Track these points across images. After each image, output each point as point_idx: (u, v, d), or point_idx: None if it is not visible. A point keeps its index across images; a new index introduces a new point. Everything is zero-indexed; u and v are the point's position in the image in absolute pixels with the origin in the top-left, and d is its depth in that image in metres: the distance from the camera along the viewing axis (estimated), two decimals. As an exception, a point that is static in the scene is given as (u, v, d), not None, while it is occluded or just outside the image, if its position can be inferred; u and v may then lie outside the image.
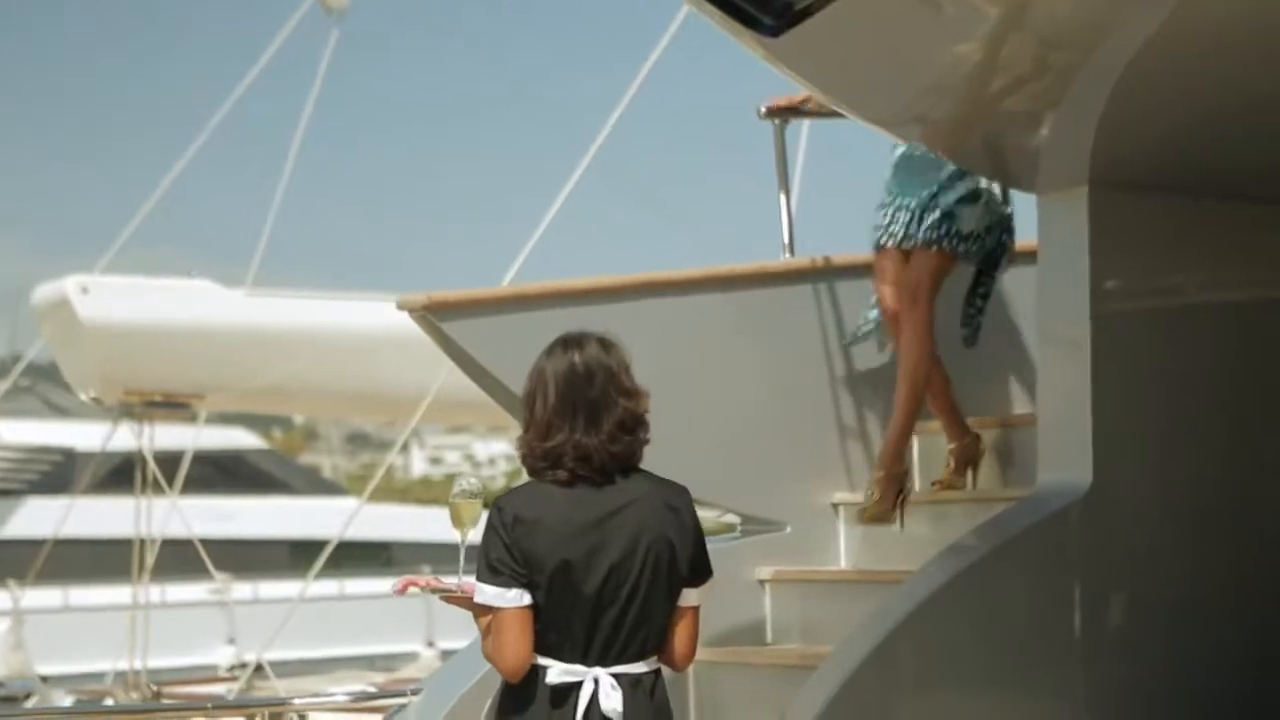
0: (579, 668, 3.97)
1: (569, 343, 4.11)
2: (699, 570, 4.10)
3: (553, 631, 3.98)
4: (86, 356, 15.57)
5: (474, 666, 5.56)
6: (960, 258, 6.08)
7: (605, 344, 4.11)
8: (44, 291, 15.78)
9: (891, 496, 5.96)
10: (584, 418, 4.00)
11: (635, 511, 4.00)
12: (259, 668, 15.90)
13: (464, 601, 4.13)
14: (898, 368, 6.04)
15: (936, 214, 6.02)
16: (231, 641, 22.52)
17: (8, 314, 51.96)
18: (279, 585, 22.33)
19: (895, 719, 5.13)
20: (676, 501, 4.08)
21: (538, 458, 4.03)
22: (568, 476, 4.01)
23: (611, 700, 3.93)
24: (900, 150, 6.17)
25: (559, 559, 3.94)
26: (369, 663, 21.34)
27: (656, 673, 4.06)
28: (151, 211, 16.52)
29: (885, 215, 6.16)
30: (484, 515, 4.13)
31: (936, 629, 5.16)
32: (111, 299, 15.30)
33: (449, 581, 4.23)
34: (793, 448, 6.32)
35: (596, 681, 3.95)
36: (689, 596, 4.09)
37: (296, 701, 7.22)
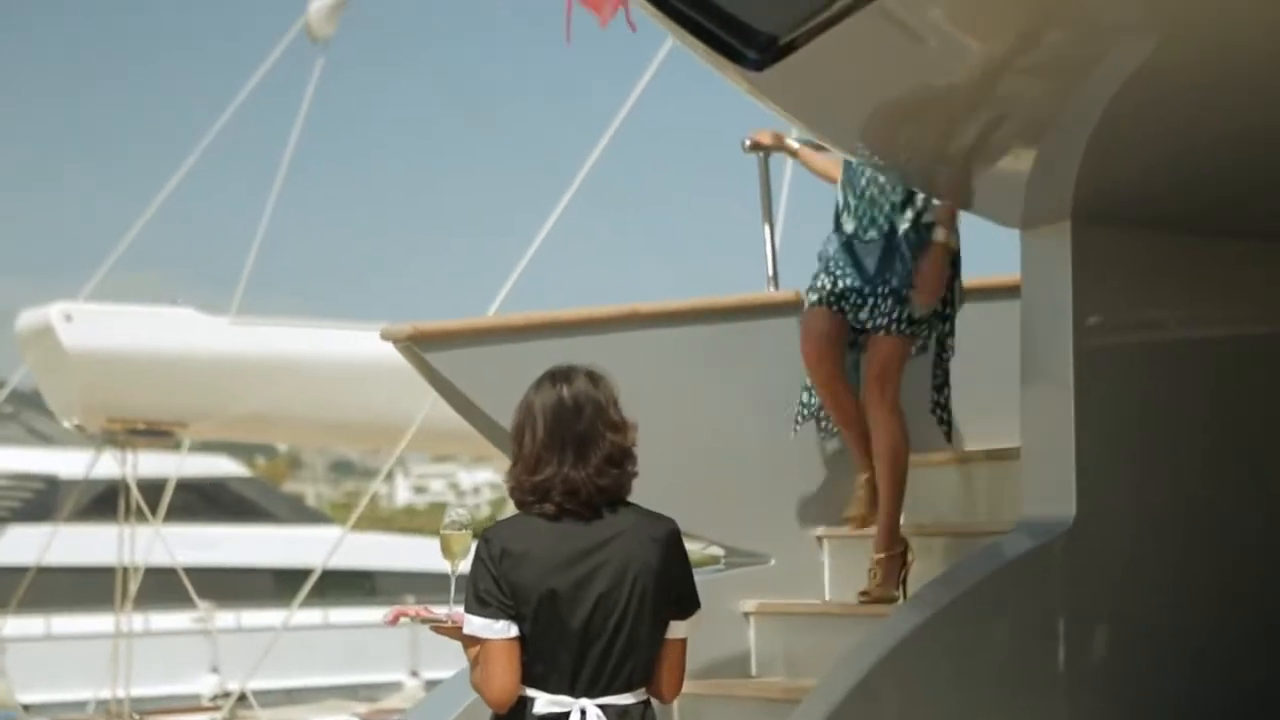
0: (566, 699, 3.98)
1: (557, 376, 4.12)
2: (686, 603, 4.12)
3: (540, 663, 3.99)
4: (70, 384, 15.54)
5: (459, 697, 5.56)
6: (911, 341, 6.04)
7: (594, 377, 4.13)
8: (28, 318, 15.75)
9: (894, 578, 5.91)
10: (572, 451, 4.01)
11: (622, 544, 4.01)
12: (242, 697, 15.87)
13: (454, 631, 4.15)
14: (874, 456, 6.02)
15: (890, 300, 5.94)
16: (215, 670, 22.42)
17: (-12, 340, 51.88)
18: (262, 614, 22.25)
19: (878, 753, 5.12)
20: (663, 534, 4.08)
21: (526, 491, 4.04)
22: (555, 510, 4.01)
23: None
24: (847, 226, 6.09)
25: (546, 590, 3.95)
26: (353, 692, 21.26)
27: (645, 704, 4.07)
28: (137, 236, 16.51)
29: (829, 280, 6.07)
30: (474, 546, 4.13)
31: (920, 663, 5.15)
32: (95, 327, 15.28)
33: (439, 611, 4.24)
34: (777, 480, 6.32)
35: (584, 712, 3.96)
36: (676, 629, 4.11)
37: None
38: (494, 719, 4.06)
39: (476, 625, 3.98)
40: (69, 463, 22.79)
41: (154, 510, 17.50)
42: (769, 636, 6.15)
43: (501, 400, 5.77)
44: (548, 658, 3.98)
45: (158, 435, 16.61)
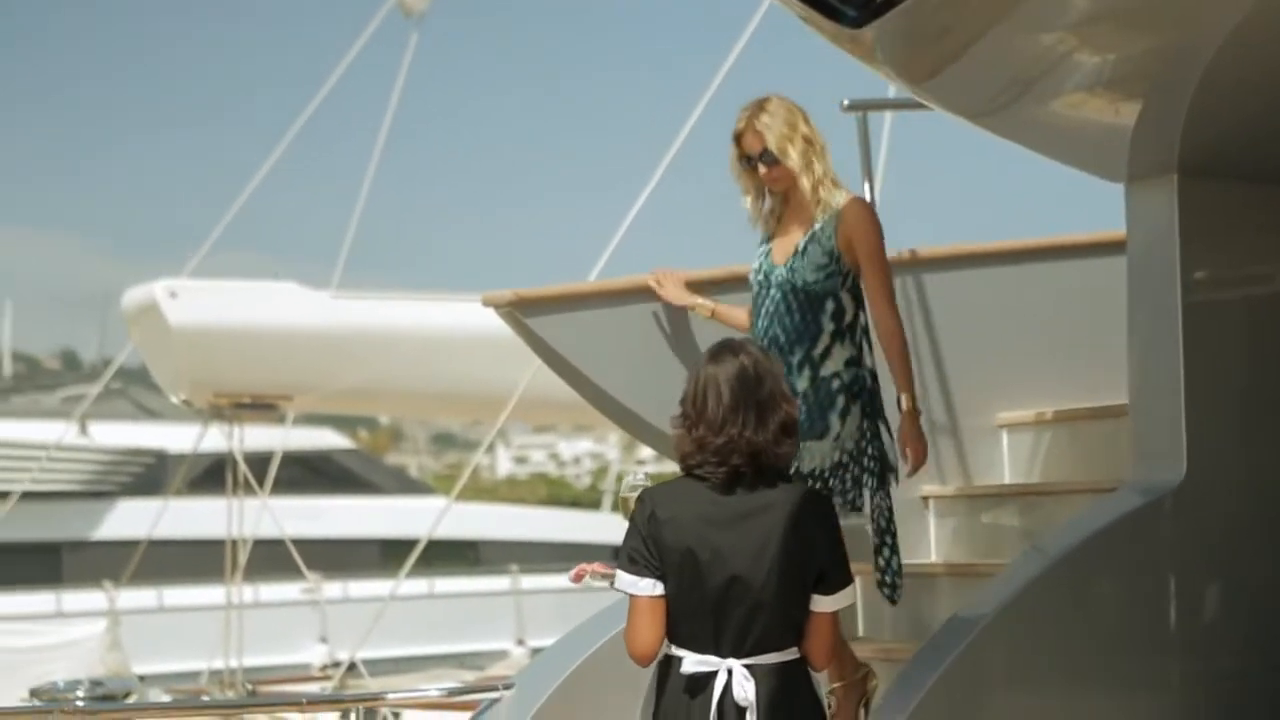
0: (712, 658, 4.07)
1: (733, 348, 4.27)
2: (832, 579, 4.18)
3: (685, 623, 4.09)
4: (176, 360, 15.71)
5: (566, 662, 5.58)
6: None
7: (765, 351, 4.32)
8: (133, 296, 15.95)
9: (852, 707, 5.36)
10: (755, 417, 4.14)
11: (769, 518, 4.10)
12: (352, 666, 16.00)
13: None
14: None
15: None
16: (324, 640, 22.67)
17: (97, 318, 52.54)
18: (369, 584, 22.47)
19: (986, 715, 5.09)
20: (812, 510, 4.18)
21: (709, 452, 4.13)
22: (728, 473, 4.12)
23: (744, 690, 4.03)
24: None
25: (687, 554, 4.06)
26: (459, 661, 21.42)
27: (794, 663, 4.13)
28: (237, 215, 16.66)
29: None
30: None
31: (1028, 624, 5.12)
32: (199, 303, 15.44)
33: (605, 570, 4.55)
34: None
35: (730, 672, 4.03)
36: (822, 603, 4.17)
37: (390, 696, 7.26)
38: (652, 676, 4.17)
39: (624, 581, 4.12)
40: (177, 437, 23.10)
41: (260, 483, 17.67)
42: (875, 597, 6.12)
43: (603, 364, 5.82)
44: (691, 619, 4.07)
45: (263, 409, 16.77)
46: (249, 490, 17.92)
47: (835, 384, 5.30)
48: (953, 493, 6.35)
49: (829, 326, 5.33)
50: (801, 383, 5.27)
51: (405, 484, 30.79)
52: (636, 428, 5.95)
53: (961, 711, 5.00)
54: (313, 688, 16.28)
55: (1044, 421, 6.45)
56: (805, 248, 5.38)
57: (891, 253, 6.45)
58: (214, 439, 18.24)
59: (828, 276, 5.33)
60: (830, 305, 5.35)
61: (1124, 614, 5.28)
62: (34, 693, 12.00)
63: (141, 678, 15.05)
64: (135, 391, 29.78)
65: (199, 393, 16.29)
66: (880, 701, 4.99)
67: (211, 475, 20.60)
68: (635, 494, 4.37)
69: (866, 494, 5.31)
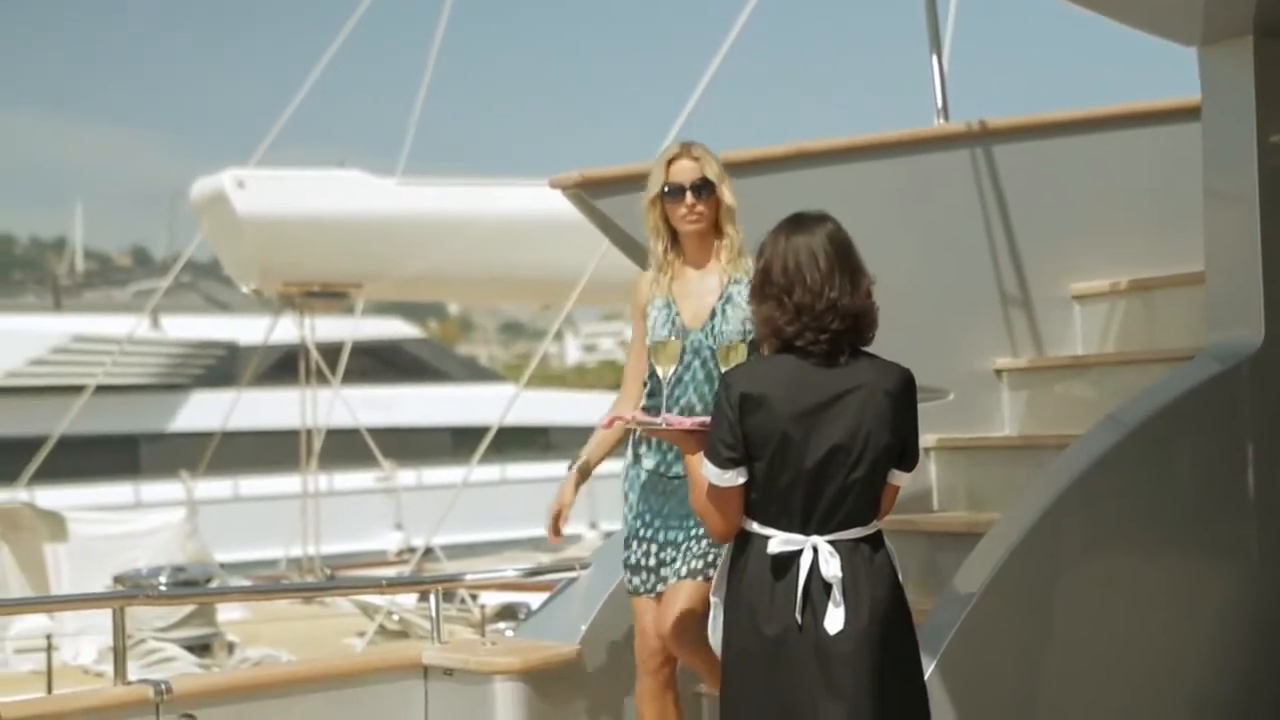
0: (798, 537, 4.05)
1: (816, 216, 4.18)
2: (910, 456, 4.19)
3: (773, 503, 4.07)
4: (245, 249, 15.80)
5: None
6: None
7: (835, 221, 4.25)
8: (201, 187, 16.02)
9: None
10: (849, 283, 4.09)
11: (859, 397, 4.07)
12: (428, 551, 16.17)
13: (670, 435, 4.43)
14: None
15: (705, 542, 4.99)
16: (399, 527, 22.93)
17: (165, 213, 52.86)
18: (442, 471, 22.66)
19: (1063, 584, 5.09)
20: (899, 387, 4.14)
21: (808, 320, 4.07)
22: (830, 341, 4.07)
23: (831, 566, 4.02)
24: (646, 461, 5.19)
25: (780, 435, 4.02)
26: (533, 545, 21.63)
27: (874, 536, 4.13)
28: (300, 106, 16.65)
29: (640, 554, 5.14)
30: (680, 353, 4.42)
31: (1104, 493, 5.10)
32: (266, 191, 15.50)
33: (658, 420, 4.47)
34: (953, 314, 6.27)
35: (815, 549, 4.03)
36: (899, 477, 4.18)
37: (469, 578, 7.33)
38: (732, 557, 4.16)
39: (710, 472, 4.08)
40: (248, 329, 23.32)
41: (332, 373, 17.80)
42: (950, 471, 6.13)
43: (672, 244, 5.78)
44: (780, 498, 4.06)
45: (332, 297, 16.88)
46: (321, 380, 18.06)
47: None
48: (1026, 365, 6.32)
49: None
50: None
51: (475, 372, 30.96)
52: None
53: (1037, 584, 5.00)
54: (389, 572, 16.45)
55: (1118, 291, 6.40)
56: (723, 309, 5.02)
57: (961, 125, 6.42)
58: (284, 330, 18.38)
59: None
60: None
61: (1202, 482, 5.26)
62: (118, 579, 12.28)
63: (221, 565, 15.25)
64: (206, 285, 30.04)
65: (268, 282, 16.40)
66: (958, 574, 4.99)
67: (283, 366, 20.81)
68: (735, 340, 4.39)
69: None
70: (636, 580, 5.12)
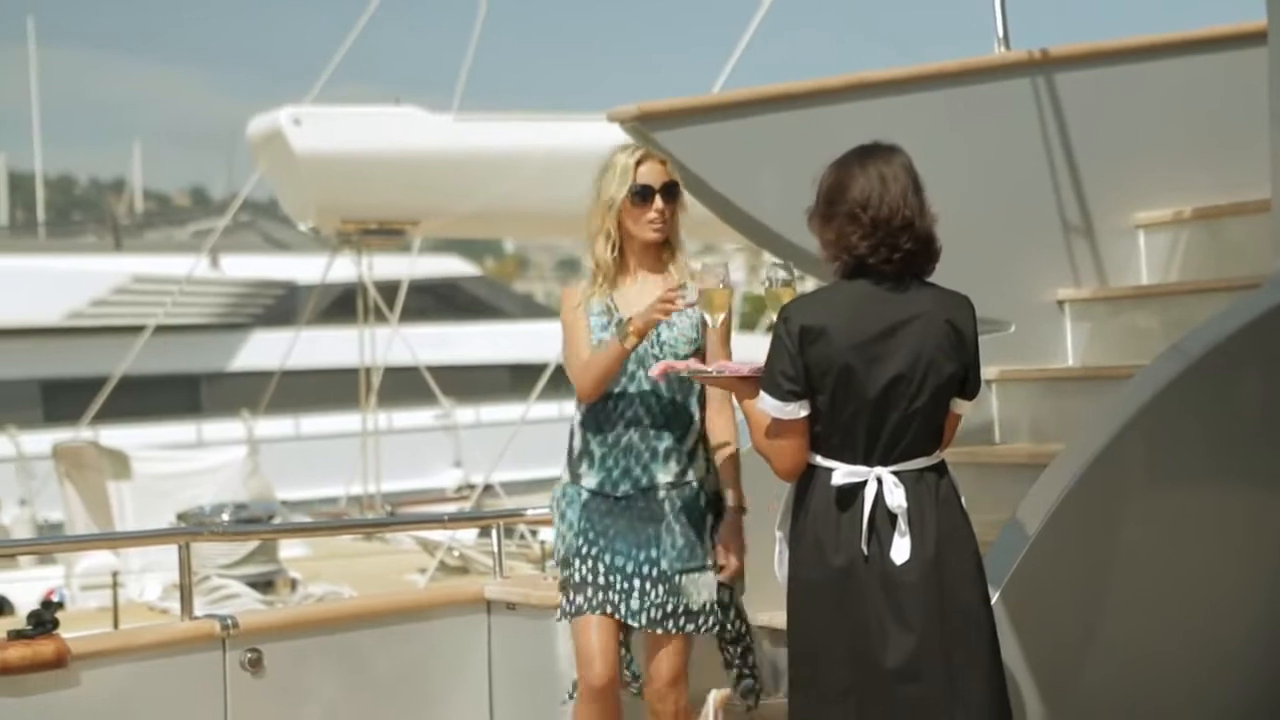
0: (862, 468, 4.05)
1: (882, 146, 4.17)
2: (973, 385, 4.18)
3: (836, 435, 4.06)
4: (302, 186, 15.85)
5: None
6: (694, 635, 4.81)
7: None
8: (258, 124, 16.06)
9: None
10: (920, 206, 4.09)
11: (921, 325, 4.05)
12: (487, 487, 16.23)
13: (726, 383, 4.37)
14: None
15: (661, 588, 4.71)
16: (458, 464, 23.02)
17: (223, 152, 53.00)
18: (500, 408, 22.72)
19: (1127, 515, 5.06)
20: (960, 315, 4.13)
21: (883, 236, 4.04)
22: (903, 260, 4.05)
23: (895, 496, 4.02)
24: (588, 480, 4.81)
25: (842, 366, 4.01)
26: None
27: (938, 466, 4.13)
28: (354, 44, 16.65)
29: (586, 570, 4.76)
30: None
31: (1168, 423, 5.06)
32: (323, 128, 15.52)
33: (710, 368, 4.43)
34: (1015, 246, 6.21)
35: (880, 480, 4.03)
36: (961, 406, 4.18)
37: (529, 513, 7.34)
38: (795, 492, 4.15)
39: (770, 406, 4.07)
40: (306, 268, 23.37)
41: (390, 311, 17.84)
42: (1012, 403, 6.09)
43: (731, 176, 5.76)
44: (844, 430, 4.05)
45: (389, 235, 16.91)
46: (379, 318, 18.12)
47: (702, 499, 4.80)
48: (1089, 295, 6.27)
49: (697, 415, 4.82)
50: (665, 476, 4.75)
51: (532, 309, 30.97)
52: (766, 240, 5.90)
53: (1102, 512, 4.97)
54: (450, 508, 16.53)
55: (1182, 220, 6.33)
56: (673, 318, 4.72)
57: (1022, 53, 6.35)
58: (342, 269, 18.43)
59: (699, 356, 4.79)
60: (698, 389, 4.80)
61: (1266, 411, 5.20)
62: (181, 517, 12.40)
63: (282, 503, 15.37)
64: (264, 224, 30.13)
65: (325, 219, 16.45)
66: (1021, 506, 4.97)
67: (341, 305, 20.87)
68: (784, 287, 4.35)
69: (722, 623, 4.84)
70: (580, 599, 4.72)
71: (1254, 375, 5.18)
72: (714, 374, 4.38)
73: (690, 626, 4.72)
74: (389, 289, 18.25)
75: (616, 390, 4.77)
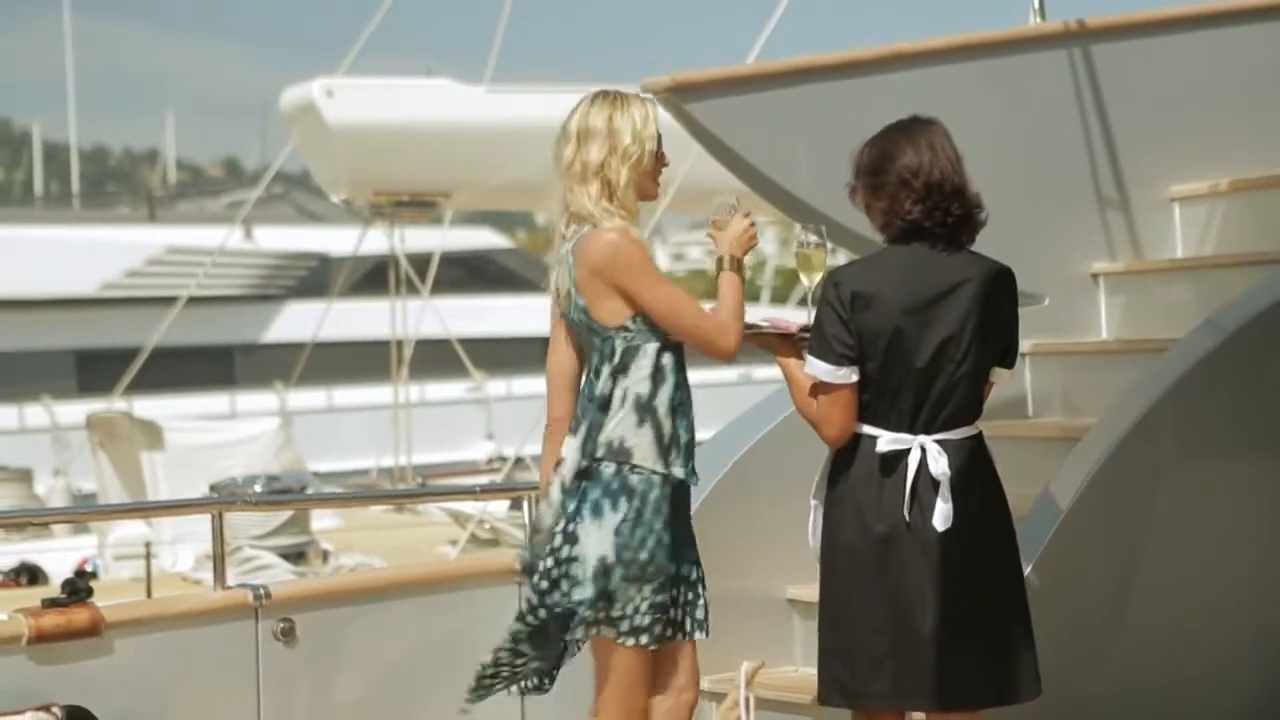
0: (906, 436, 4.09)
1: (926, 119, 4.22)
2: (1011, 353, 4.23)
3: (882, 401, 4.10)
4: (335, 158, 15.86)
5: (736, 445, 5.60)
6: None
7: None
8: (291, 96, 16.08)
9: None
10: (964, 174, 4.17)
11: (968, 291, 4.09)
12: (519, 460, 16.23)
13: (770, 340, 4.33)
14: None
15: (702, 587, 4.32)
16: (490, 437, 23.03)
17: (256, 124, 53.10)
18: (532, 381, 22.70)
19: (1160, 489, 5.05)
20: (1004, 283, 4.19)
21: (936, 200, 4.09)
22: (954, 224, 4.11)
23: (939, 464, 4.05)
24: (676, 469, 4.23)
25: (893, 331, 4.06)
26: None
27: (977, 436, 4.16)
28: (385, 15, 16.62)
29: (668, 596, 4.24)
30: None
31: (1201, 398, 5.04)
32: (356, 100, 15.54)
33: (759, 320, 4.37)
34: (1049, 218, 6.18)
35: (923, 448, 4.06)
36: (999, 375, 4.23)
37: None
38: (836, 458, 4.17)
39: (821, 370, 4.09)
40: (339, 240, 23.40)
41: (422, 283, 17.84)
42: (1045, 376, 6.06)
43: (764, 148, 5.73)
44: (891, 396, 4.09)
45: (422, 206, 16.91)
46: (411, 291, 18.12)
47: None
48: (1123, 269, 6.23)
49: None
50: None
51: (564, 282, 30.93)
52: (800, 212, 5.88)
53: (1136, 485, 4.96)
54: (482, 480, 16.54)
55: (1218, 193, 6.29)
56: None
57: (1057, 24, 6.30)
58: (375, 241, 18.44)
59: None
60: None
61: (1303, 386, 5.18)
62: (214, 488, 12.43)
63: (314, 475, 15.41)
64: (297, 196, 30.16)
65: (358, 191, 16.46)
66: (1054, 480, 4.95)
67: (373, 277, 20.88)
68: (813, 249, 4.37)
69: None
70: (662, 631, 4.21)
71: (1289, 349, 5.15)
72: (763, 328, 4.34)
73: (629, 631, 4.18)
74: (421, 261, 18.25)
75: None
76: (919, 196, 4.09)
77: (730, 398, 9.07)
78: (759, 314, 4.57)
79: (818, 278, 4.37)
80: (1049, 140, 6.18)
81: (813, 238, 4.41)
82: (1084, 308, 6.21)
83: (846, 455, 4.14)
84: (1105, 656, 4.91)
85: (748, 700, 4.97)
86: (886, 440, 4.07)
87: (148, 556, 11.16)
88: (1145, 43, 6.35)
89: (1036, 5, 6.50)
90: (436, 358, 20.51)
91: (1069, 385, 6.03)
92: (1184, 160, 6.35)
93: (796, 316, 4.45)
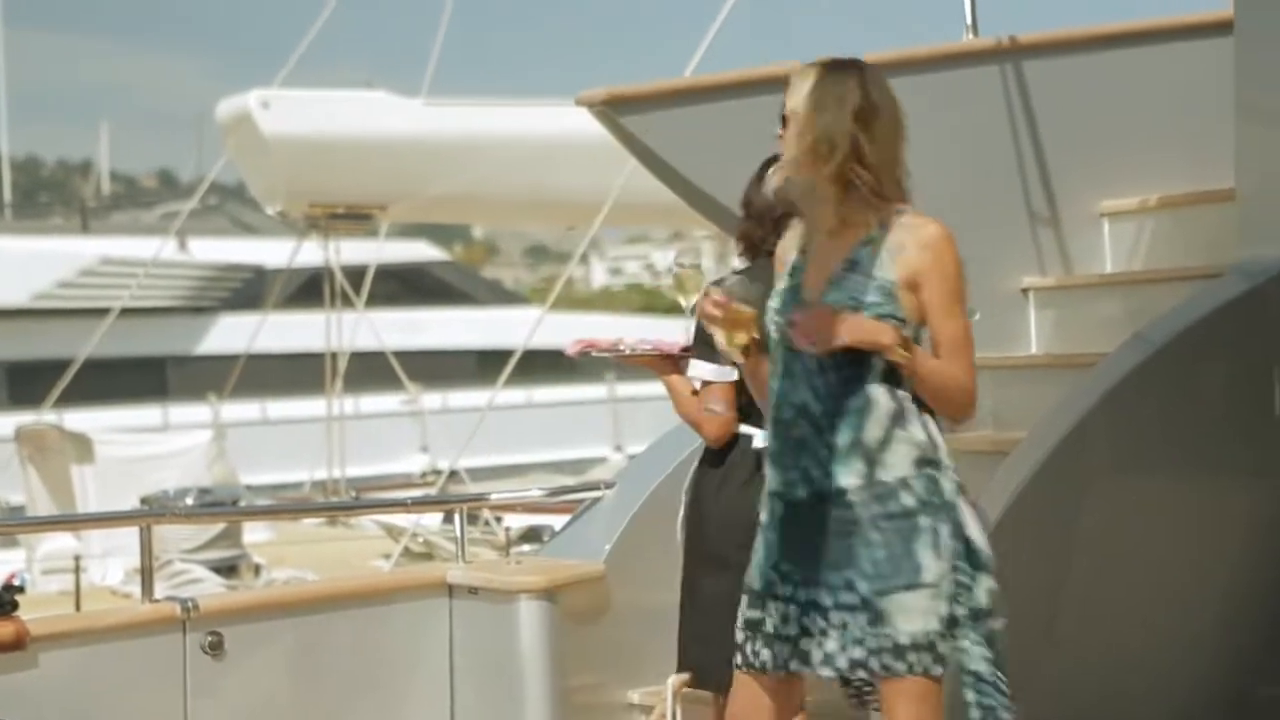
0: None
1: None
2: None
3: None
4: (271, 169, 15.82)
5: (666, 460, 5.60)
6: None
7: None
8: (227, 107, 16.02)
9: None
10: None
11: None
12: (453, 473, 16.20)
13: (652, 361, 4.67)
14: None
15: (865, 615, 3.69)
16: (424, 449, 22.98)
17: (191, 135, 52.83)
18: (468, 394, 22.69)
19: (1089, 504, 5.07)
20: None
21: (766, 229, 4.57)
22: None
23: None
24: (795, 487, 3.77)
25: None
26: (557, 468, 21.67)
27: None
28: (323, 27, 16.60)
29: (778, 618, 3.76)
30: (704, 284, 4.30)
31: (1130, 412, 5.07)
32: (292, 111, 15.50)
33: (638, 343, 4.71)
34: (979, 233, 6.19)
35: None
36: None
37: (493, 497, 7.33)
38: (710, 457, 4.45)
39: (706, 370, 4.37)
40: (274, 252, 23.31)
41: (357, 295, 17.79)
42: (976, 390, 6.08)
43: (700, 163, 5.74)
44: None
45: (357, 219, 16.89)
46: (347, 303, 18.08)
47: (907, 499, 3.77)
48: (1053, 284, 6.27)
49: (881, 398, 3.89)
50: (851, 478, 3.73)
51: (501, 296, 30.97)
52: (734, 227, 5.89)
53: (1063, 501, 4.98)
54: (415, 493, 16.50)
55: (1147, 209, 6.34)
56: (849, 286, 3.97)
57: (990, 40, 6.34)
58: (310, 254, 18.39)
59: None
60: (878, 366, 3.90)
61: (1230, 400, 5.22)
62: (145, 500, 12.33)
63: (247, 488, 15.33)
64: (232, 208, 30.04)
65: (294, 203, 16.42)
66: (983, 494, 4.96)
67: (309, 290, 20.82)
68: (689, 269, 4.45)
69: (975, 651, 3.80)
70: (766, 653, 3.76)
71: (1216, 364, 5.19)
72: (627, 352, 4.65)
73: (900, 666, 3.66)
74: (356, 273, 18.21)
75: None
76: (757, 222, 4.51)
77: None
78: (647, 334, 4.72)
79: (694, 299, 4.36)
80: (980, 155, 6.20)
81: (686, 259, 4.55)
82: (1014, 322, 6.23)
83: (725, 456, 4.41)
84: (1039, 672, 4.92)
85: (675, 713, 4.97)
86: (762, 438, 4.14)
87: (76, 570, 11.08)
88: (1076, 59, 6.39)
89: (969, 21, 6.54)
90: (371, 370, 20.46)
91: (998, 399, 6.04)
92: (1113, 176, 6.40)
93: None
